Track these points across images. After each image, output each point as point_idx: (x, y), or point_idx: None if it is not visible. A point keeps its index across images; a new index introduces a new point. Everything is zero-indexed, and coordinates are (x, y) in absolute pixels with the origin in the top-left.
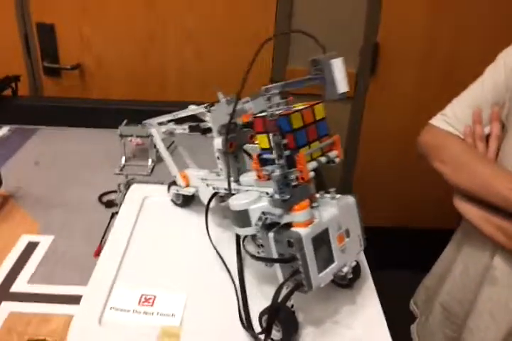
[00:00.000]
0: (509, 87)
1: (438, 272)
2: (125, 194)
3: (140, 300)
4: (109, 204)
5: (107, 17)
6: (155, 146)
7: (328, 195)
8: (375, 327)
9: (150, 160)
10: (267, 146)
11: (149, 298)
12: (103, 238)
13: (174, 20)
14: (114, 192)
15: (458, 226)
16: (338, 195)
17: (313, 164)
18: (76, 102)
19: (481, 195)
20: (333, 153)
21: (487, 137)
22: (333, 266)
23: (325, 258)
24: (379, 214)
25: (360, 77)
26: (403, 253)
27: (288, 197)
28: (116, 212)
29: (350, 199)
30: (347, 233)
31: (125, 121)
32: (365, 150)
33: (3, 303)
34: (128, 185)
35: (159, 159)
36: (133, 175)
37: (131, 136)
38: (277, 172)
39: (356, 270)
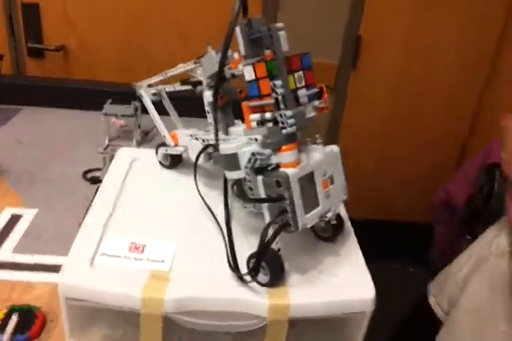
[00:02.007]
0: None
1: None
2: None
3: (130, 247)
4: (94, 180)
5: None
6: (139, 126)
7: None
8: (359, 274)
9: (134, 140)
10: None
11: (139, 246)
12: (87, 211)
13: (160, 3)
14: (98, 169)
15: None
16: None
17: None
18: (60, 82)
19: None
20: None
21: None
22: (318, 209)
23: (310, 200)
24: (359, 207)
25: (341, 69)
26: (385, 245)
27: (279, 138)
28: None
29: (334, 148)
30: (331, 180)
31: (109, 100)
32: (346, 141)
33: None
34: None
35: (143, 140)
36: None
37: (116, 115)
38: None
39: (339, 223)
